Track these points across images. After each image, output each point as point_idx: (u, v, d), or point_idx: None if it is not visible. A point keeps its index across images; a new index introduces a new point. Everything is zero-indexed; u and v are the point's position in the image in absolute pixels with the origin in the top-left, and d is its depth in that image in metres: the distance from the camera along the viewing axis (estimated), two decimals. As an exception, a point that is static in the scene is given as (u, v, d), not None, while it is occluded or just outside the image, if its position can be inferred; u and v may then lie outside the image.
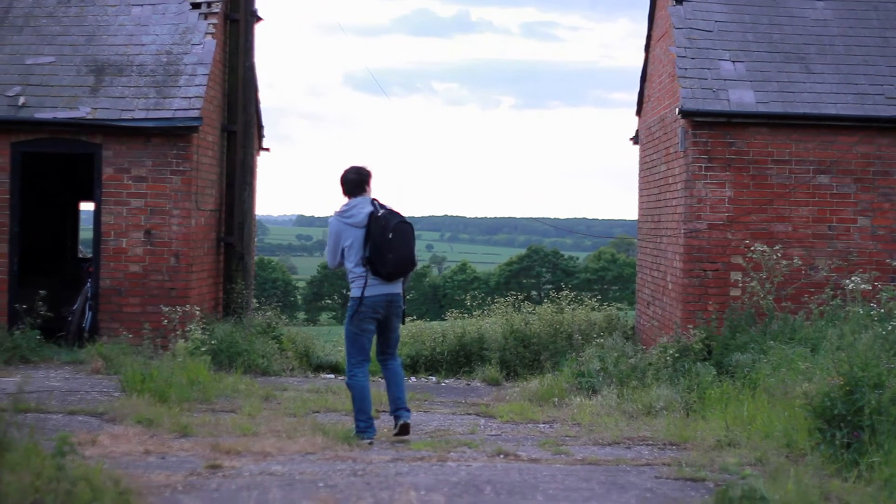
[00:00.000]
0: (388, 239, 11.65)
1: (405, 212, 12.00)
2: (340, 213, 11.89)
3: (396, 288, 11.87)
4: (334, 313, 77.92)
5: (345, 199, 11.93)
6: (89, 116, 18.31)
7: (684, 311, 17.87)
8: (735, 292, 17.68)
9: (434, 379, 20.20)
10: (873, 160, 17.98)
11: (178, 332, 17.18)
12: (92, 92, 18.68)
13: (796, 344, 14.90)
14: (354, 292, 11.77)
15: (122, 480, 8.08)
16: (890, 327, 12.76)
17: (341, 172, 12.01)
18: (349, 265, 11.77)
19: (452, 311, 25.17)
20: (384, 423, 12.58)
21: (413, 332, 22.34)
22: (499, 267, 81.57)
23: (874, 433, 9.26)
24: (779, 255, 17.29)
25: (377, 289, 11.73)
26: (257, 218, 22.43)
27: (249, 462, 10.09)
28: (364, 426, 11.64)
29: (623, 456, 10.81)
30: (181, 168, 18.34)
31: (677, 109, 17.90)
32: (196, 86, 18.64)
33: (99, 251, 18.40)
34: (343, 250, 11.81)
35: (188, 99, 18.45)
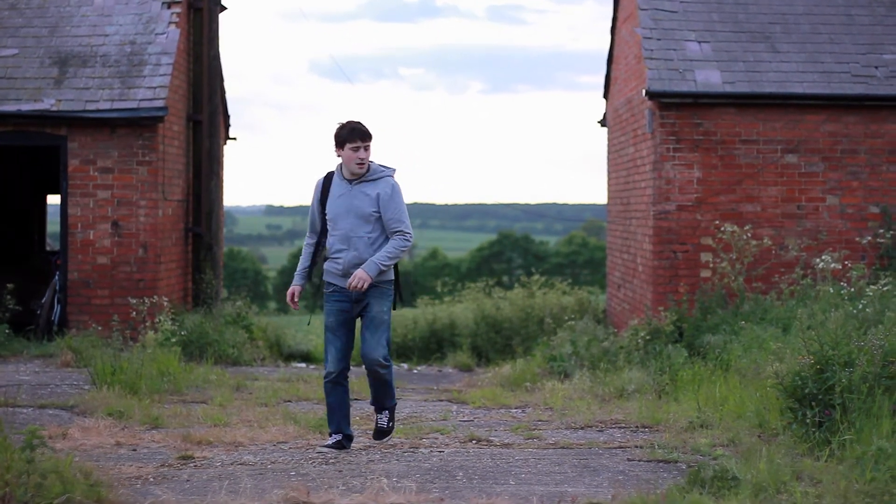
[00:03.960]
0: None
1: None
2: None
3: None
4: (305, 302, 77.79)
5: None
6: (54, 108, 18.17)
7: (655, 293, 17.88)
8: (705, 273, 17.70)
9: (406, 366, 20.18)
10: (840, 138, 18.01)
11: (147, 324, 17.12)
12: (56, 84, 18.54)
13: (767, 324, 14.93)
14: (391, 273, 10.02)
15: (92, 473, 8.03)
16: (860, 306, 12.79)
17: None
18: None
19: (423, 298, 25.21)
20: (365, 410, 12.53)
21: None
22: (469, 253, 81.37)
23: (845, 411, 9.27)
24: (748, 235, 17.31)
25: None
26: (226, 208, 22.36)
27: (221, 452, 10.05)
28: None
29: (595, 439, 10.81)
30: (147, 158, 18.23)
31: (644, 91, 17.89)
32: (161, 76, 18.52)
33: (66, 243, 18.29)
34: None
35: (153, 89, 18.34)
